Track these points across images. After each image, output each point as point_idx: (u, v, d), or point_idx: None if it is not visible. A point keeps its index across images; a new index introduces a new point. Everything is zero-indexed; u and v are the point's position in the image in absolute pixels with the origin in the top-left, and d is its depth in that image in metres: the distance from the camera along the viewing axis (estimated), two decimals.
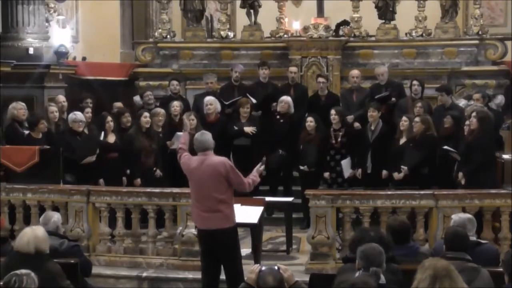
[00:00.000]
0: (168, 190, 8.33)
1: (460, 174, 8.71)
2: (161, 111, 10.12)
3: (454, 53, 11.97)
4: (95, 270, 7.07)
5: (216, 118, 10.33)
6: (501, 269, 5.31)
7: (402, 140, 9.41)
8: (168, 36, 12.63)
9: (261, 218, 8.12)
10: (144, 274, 8.00)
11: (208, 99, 10.43)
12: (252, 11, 12.44)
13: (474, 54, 11.99)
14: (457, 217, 6.35)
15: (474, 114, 8.68)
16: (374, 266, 4.83)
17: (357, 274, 4.80)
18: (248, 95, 10.79)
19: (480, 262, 5.41)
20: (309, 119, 9.94)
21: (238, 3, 13.05)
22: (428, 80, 11.06)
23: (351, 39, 12.04)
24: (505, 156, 9.23)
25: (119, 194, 8.33)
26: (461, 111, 9.85)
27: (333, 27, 12.04)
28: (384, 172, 9.51)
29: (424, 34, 12.04)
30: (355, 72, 10.90)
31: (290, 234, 8.93)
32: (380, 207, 7.81)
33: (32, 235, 5.59)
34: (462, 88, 11.85)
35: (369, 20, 12.19)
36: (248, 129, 10.22)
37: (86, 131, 9.58)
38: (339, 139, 9.91)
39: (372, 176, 9.63)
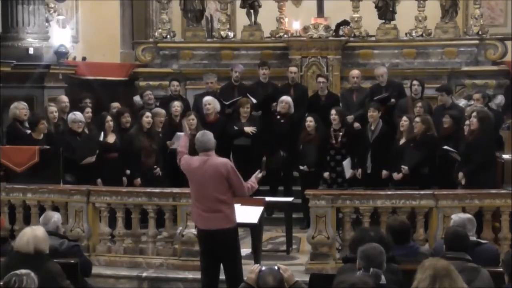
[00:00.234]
0: (168, 190, 8.33)
1: (460, 174, 8.71)
2: (162, 111, 10.13)
3: (454, 53, 11.97)
4: (95, 270, 7.07)
5: (216, 118, 10.33)
6: (501, 269, 5.31)
7: (402, 140, 9.41)
8: (168, 36, 12.63)
9: (261, 218, 8.12)
10: (144, 274, 8.00)
11: (207, 99, 10.43)
12: (252, 11, 12.44)
13: (474, 54, 11.99)
14: (457, 217, 6.35)
15: (474, 114, 8.68)
16: (375, 266, 4.83)
17: (357, 274, 4.80)
18: (248, 95, 10.80)
19: (480, 262, 5.41)
20: (309, 119, 9.95)
21: (238, 3, 13.04)
22: (428, 80, 11.06)
23: (351, 39, 12.04)
24: (505, 156, 9.23)
25: (119, 194, 8.32)
26: (460, 111, 9.85)
27: (333, 27, 12.04)
28: (384, 172, 9.52)
29: (424, 34, 12.04)
30: (355, 72, 10.90)
31: (290, 234, 8.93)
32: (380, 207, 7.81)
33: (32, 235, 5.58)
34: (462, 88, 11.85)
35: (369, 20, 12.19)
36: (248, 129, 10.22)
37: (86, 131, 9.59)
38: (339, 139, 9.91)
39: (372, 176, 9.63)
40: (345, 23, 12.09)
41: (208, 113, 10.30)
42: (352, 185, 9.56)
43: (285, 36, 12.33)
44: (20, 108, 9.65)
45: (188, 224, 7.91)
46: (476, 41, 11.98)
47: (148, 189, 8.45)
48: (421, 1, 12.01)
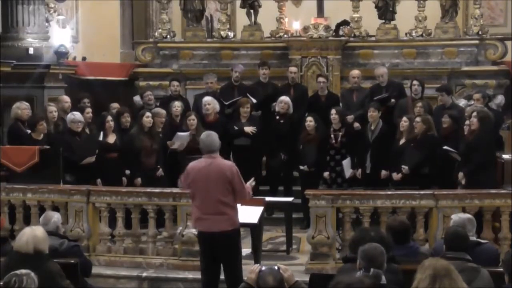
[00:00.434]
0: (168, 190, 8.34)
1: (460, 174, 8.71)
2: (163, 111, 10.13)
3: (454, 53, 11.97)
4: (95, 270, 7.07)
5: (215, 118, 10.34)
6: (501, 269, 5.30)
7: (402, 141, 9.40)
8: (168, 36, 12.63)
9: (261, 218, 8.12)
10: (144, 274, 8.00)
11: (206, 99, 10.44)
12: (252, 11, 12.44)
13: (474, 54, 11.98)
14: (457, 217, 6.35)
15: (474, 114, 8.69)
16: (376, 266, 4.83)
17: (358, 274, 4.80)
18: (248, 95, 10.80)
19: (480, 262, 5.41)
20: (309, 119, 9.95)
21: (238, 3, 13.04)
22: (428, 80, 11.06)
23: (351, 39, 12.04)
24: (505, 156, 9.23)
25: (119, 194, 8.33)
26: (460, 111, 9.85)
27: (333, 27, 12.05)
28: (384, 172, 9.51)
29: (424, 34, 12.03)
30: (355, 72, 10.90)
31: (290, 234, 8.93)
32: (380, 207, 7.81)
33: (31, 235, 5.58)
34: (462, 88, 11.85)
35: (369, 20, 12.18)
36: (248, 129, 10.23)
37: (87, 131, 9.59)
38: (339, 139, 9.91)
39: (372, 176, 9.63)
40: (345, 23, 12.09)
41: (208, 113, 10.31)
42: (352, 185, 9.56)
43: (285, 36, 12.33)
44: (22, 108, 9.66)
45: (188, 224, 7.91)
46: (476, 41, 11.98)
47: (148, 189, 8.45)
48: (421, 1, 12.00)
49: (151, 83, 12.31)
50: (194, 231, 7.50)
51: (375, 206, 7.82)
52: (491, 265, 5.65)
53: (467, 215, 6.47)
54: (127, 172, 9.59)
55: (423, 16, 12.06)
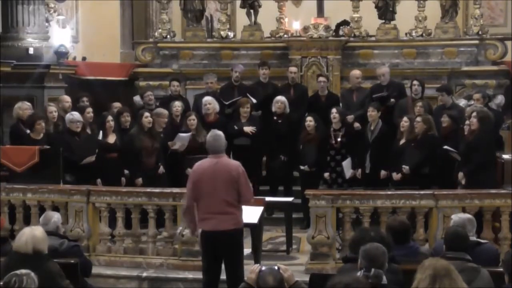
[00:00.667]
0: (168, 190, 8.33)
1: (460, 174, 8.71)
2: (165, 112, 10.13)
3: (454, 53, 11.97)
4: (95, 270, 7.07)
5: (215, 118, 10.34)
6: (501, 269, 5.30)
7: (403, 141, 9.40)
8: (168, 36, 12.63)
9: (261, 218, 8.12)
10: (144, 274, 8.00)
11: (206, 99, 10.44)
12: (252, 11, 12.44)
13: (474, 54, 11.99)
14: (457, 217, 6.35)
15: (474, 114, 8.69)
16: (377, 266, 4.82)
17: (358, 273, 4.79)
18: (248, 95, 10.80)
19: (480, 262, 5.41)
20: (309, 118, 9.95)
21: (238, 3, 13.04)
22: (428, 80, 11.06)
23: (351, 39, 12.04)
24: (505, 156, 9.23)
25: (119, 194, 8.32)
26: (460, 111, 9.85)
27: (333, 27, 12.05)
28: (383, 172, 9.51)
29: (424, 34, 12.04)
30: (357, 72, 10.90)
31: (290, 234, 8.93)
32: (380, 207, 7.81)
33: (30, 235, 5.57)
34: (462, 88, 11.85)
35: (369, 20, 12.19)
36: (248, 129, 10.23)
37: (88, 131, 9.59)
38: (338, 139, 9.90)
39: (372, 176, 9.62)
40: (345, 23, 12.10)
41: (208, 113, 10.31)
42: (352, 185, 9.56)
43: (285, 36, 12.33)
44: (24, 109, 9.66)
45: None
46: (476, 41, 11.98)
47: (148, 189, 8.45)
48: (421, 1, 12.00)
49: (151, 83, 12.31)
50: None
51: (375, 206, 7.82)
52: (491, 265, 5.65)
53: (467, 215, 6.47)
54: (126, 172, 9.59)
55: (423, 16, 12.06)
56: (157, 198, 8.17)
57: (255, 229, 8.14)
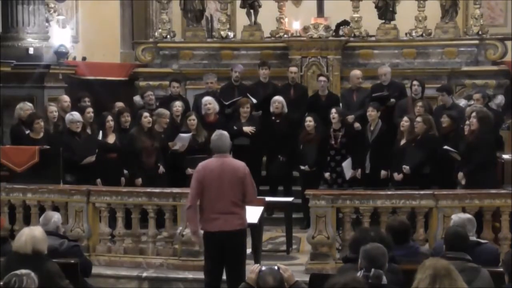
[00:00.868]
0: (168, 190, 8.33)
1: (460, 174, 8.70)
2: (167, 112, 10.12)
3: (454, 53, 11.97)
4: (95, 270, 7.06)
5: (215, 118, 10.34)
6: (501, 269, 5.31)
7: (403, 141, 9.39)
8: (168, 36, 12.63)
9: (261, 218, 8.12)
10: (144, 274, 8.00)
11: (206, 99, 10.44)
12: (252, 11, 12.43)
13: (474, 54, 11.98)
14: (457, 217, 6.35)
15: (474, 114, 8.68)
16: (377, 266, 4.82)
17: (358, 273, 4.80)
18: (248, 95, 10.80)
19: (480, 262, 5.41)
20: (308, 118, 9.95)
21: (238, 3, 13.04)
22: (428, 80, 11.06)
23: (351, 39, 12.04)
24: (505, 156, 9.24)
25: (119, 194, 8.33)
26: (460, 111, 9.85)
27: (333, 27, 12.04)
28: (383, 172, 9.51)
29: (424, 34, 12.03)
30: (357, 72, 10.89)
31: (290, 234, 8.93)
32: (380, 207, 7.81)
33: (30, 235, 5.57)
34: (462, 88, 11.85)
35: (369, 20, 12.18)
36: (247, 129, 10.24)
37: (89, 131, 9.59)
38: (338, 140, 9.90)
39: (372, 176, 9.62)
40: (345, 23, 12.09)
41: (208, 113, 10.31)
42: (352, 185, 9.56)
43: (285, 36, 12.33)
44: (25, 109, 9.66)
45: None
46: (476, 41, 11.98)
47: (148, 189, 8.45)
48: (421, 1, 12.00)
49: (151, 83, 12.31)
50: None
51: (375, 206, 7.82)
52: (491, 265, 5.65)
53: (467, 215, 6.47)
54: (125, 172, 9.58)
55: (423, 16, 12.06)
56: (157, 198, 8.17)
57: (255, 229, 8.14)
